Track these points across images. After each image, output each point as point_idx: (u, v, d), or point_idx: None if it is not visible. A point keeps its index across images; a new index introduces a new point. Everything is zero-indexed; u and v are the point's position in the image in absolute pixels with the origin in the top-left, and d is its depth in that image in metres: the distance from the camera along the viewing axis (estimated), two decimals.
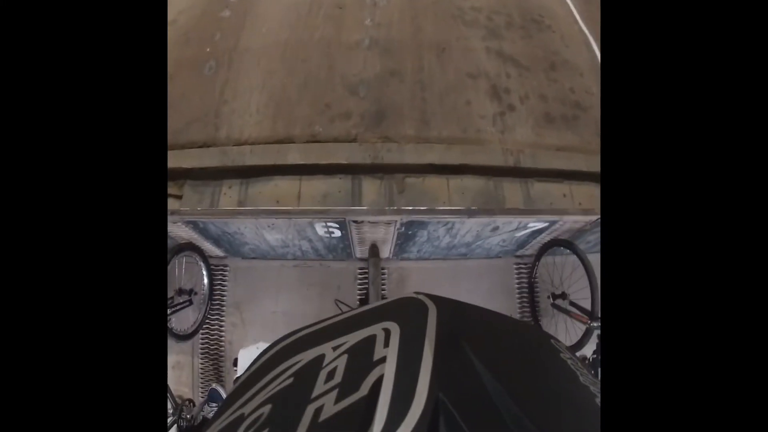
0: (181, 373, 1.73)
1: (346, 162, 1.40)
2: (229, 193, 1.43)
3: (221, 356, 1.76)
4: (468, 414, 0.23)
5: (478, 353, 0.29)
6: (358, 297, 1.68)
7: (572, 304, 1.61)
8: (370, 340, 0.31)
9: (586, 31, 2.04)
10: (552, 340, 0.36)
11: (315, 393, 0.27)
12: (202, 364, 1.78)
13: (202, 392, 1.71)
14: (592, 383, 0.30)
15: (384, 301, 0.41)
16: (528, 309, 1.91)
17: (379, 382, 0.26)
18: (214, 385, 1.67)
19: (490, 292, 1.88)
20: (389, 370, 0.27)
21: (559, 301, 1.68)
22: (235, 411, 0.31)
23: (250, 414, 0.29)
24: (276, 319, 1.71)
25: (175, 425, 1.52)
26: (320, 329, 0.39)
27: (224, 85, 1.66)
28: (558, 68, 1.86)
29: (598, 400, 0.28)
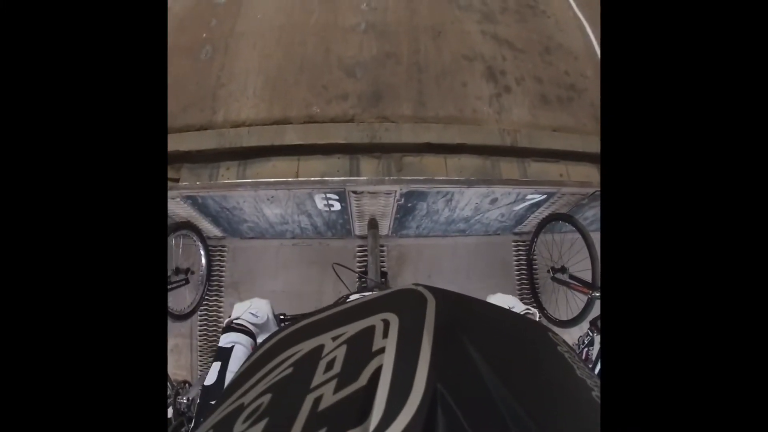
0: (179, 356, 1.72)
1: (344, 142, 1.40)
2: (226, 174, 1.43)
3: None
4: (465, 405, 0.23)
5: (476, 345, 0.29)
6: (358, 269, 1.68)
7: (572, 277, 1.63)
8: (369, 331, 0.31)
9: (581, 16, 2.06)
10: (550, 333, 0.36)
11: (314, 383, 0.27)
12: (200, 345, 1.78)
13: (200, 372, 1.70)
14: (589, 377, 0.30)
15: (383, 292, 0.41)
16: (527, 285, 1.93)
17: (377, 372, 0.26)
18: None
19: (488, 268, 1.89)
20: (388, 361, 0.27)
21: (558, 275, 1.71)
22: (235, 401, 0.31)
23: (250, 403, 0.29)
24: (275, 298, 1.70)
25: (171, 407, 1.51)
26: (320, 319, 0.39)
27: (221, 69, 1.66)
28: (553, 52, 1.87)
29: (594, 394, 0.28)
